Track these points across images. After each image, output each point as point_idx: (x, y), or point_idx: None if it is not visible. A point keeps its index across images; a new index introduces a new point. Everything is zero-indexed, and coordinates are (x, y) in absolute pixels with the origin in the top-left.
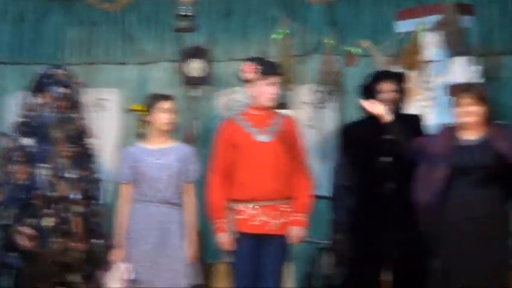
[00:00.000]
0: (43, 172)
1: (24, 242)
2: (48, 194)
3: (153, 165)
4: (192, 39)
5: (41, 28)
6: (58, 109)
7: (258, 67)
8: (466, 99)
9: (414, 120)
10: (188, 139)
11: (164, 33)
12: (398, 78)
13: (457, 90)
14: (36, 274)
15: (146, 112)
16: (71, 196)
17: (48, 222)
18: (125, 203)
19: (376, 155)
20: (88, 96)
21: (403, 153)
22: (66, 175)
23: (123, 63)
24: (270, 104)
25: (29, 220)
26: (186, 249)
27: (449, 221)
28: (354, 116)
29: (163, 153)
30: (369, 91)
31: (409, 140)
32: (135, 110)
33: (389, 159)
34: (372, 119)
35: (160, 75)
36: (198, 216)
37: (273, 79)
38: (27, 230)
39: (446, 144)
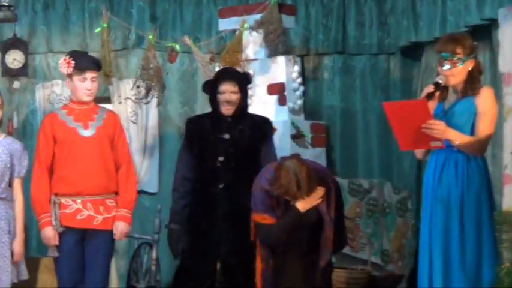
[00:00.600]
0: None
1: None
2: None
3: None
4: (12, 30)
5: None
6: None
7: (74, 61)
8: None
9: (259, 121)
10: (7, 132)
11: None
12: (240, 79)
13: None
14: None
15: None
16: None
17: None
18: None
19: (214, 153)
20: None
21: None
22: None
23: None
24: (86, 99)
25: None
26: (17, 245)
27: None
28: (175, 111)
29: None
30: (211, 90)
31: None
32: None
33: (221, 158)
34: (214, 116)
35: None
36: (24, 210)
37: (88, 74)
38: None
39: None
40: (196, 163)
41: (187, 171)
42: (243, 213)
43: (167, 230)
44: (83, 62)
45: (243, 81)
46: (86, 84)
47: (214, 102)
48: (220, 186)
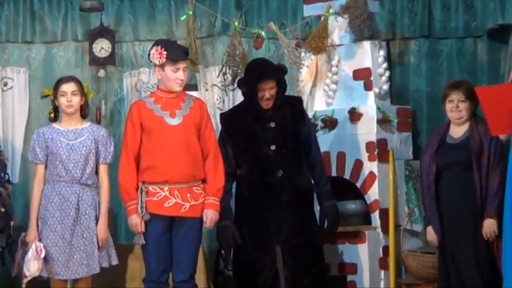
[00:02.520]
0: None
1: None
2: None
3: (66, 145)
4: (99, 19)
5: None
6: None
7: (166, 52)
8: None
9: (295, 103)
10: (95, 120)
11: (70, 12)
12: (276, 74)
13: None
14: None
15: (53, 96)
16: None
17: None
18: (39, 183)
19: (263, 143)
20: None
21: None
22: None
23: (29, 42)
24: (178, 88)
25: None
26: (100, 230)
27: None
28: None
29: (76, 134)
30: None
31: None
32: (47, 95)
33: (273, 147)
34: (252, 107)
35: (66, 55)
36: (111, 197)
37: (180, 64)
38: None
39: (436, 141)
40: (242, 156)
41: (229, 166)
42: (303, 197)
43: (217, 227)
44: (175, 52)
45: (280, 74)
46: (179, 75)
47: (250, 94)
48: (279, 174)
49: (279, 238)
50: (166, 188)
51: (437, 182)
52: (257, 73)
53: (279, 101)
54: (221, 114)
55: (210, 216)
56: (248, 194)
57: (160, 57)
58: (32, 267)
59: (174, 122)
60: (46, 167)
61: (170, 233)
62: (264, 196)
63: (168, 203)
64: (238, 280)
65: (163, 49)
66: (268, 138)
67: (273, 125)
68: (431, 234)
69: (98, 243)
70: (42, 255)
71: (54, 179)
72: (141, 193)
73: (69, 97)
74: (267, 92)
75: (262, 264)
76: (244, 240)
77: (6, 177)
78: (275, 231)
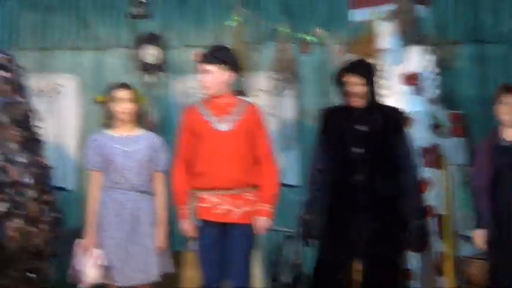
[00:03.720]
0: None
1: None
2: (0, 179)
3: (121, 152)
4: (147, 26)
5: None
6: (1, 93)
7: (199, 55)
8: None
9: (393, 113)
10: (147, 126)
11: (119, 19)
12: (366, 71)
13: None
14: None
15: (107, 102)
16: (24, 180)
17: (2, 207)
18: (95, 190)
19: (349, 145)
20: (43, 82)
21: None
22: (17, 159)
23: (78, 49)
24: (205, 92)
25: None
26: (156, 237)
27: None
28: (311, 103)
29: (131, 141)
30: (338, 82)
31: (383, 131)
32: (100, 101)
33: (361, 150)
34: (347, 107)
35: (115, 61)
36: (167, 204)
37: (203, 66)
38: None
39: (490, 144)
40: (331, 154)
41: (320, 162)
42: (381, 204)
43: (301, 220)
44: (204, 55)
45: (368, 73)
46: (202, 77)
47: (343, 93)
48: (359, 177)
49: (358, 244)
50: (217, 194)
51: (493, 185)
52: (344, 67)
53: (369, 102)
54: (320, 110)
55: (262, 223)
56: (333, 194)
57: (195, 60)
58: (89, 274)
59: (224, 127)
60: (102, 173)
61: (223, 239)
62: (342, 198)
63: (220, 209)
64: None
65: (199, 52)
66: (354, 140)
67: (362, 127)
68: (479, 237)
69: (156, 249)
70: (100, 262)
71: (111, 185)
72: (193, 199)
73: (124, 104)
74: (352, 86)
75: (339, 265)
76: (324, 240)
77: (54, 183)
78: (355, 236)
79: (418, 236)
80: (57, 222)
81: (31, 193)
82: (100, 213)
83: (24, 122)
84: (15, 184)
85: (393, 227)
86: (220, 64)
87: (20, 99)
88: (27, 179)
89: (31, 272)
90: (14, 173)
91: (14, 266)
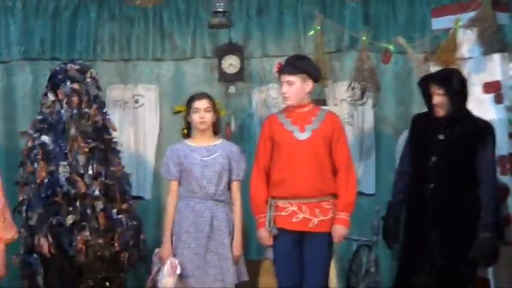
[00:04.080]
0: (62, 169)
1: (42, 250)
2: (69, 191)
3: (199, 162)
4: (227, 36)
5: (76, 24)
6: (71, 105)
7: (280, 65)
8: None
9: (479, 125)
10: (225, 136)
11: (199, 29)
12: (446, 81)
13: None
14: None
15: (186, 112)
16: (91, 192)
17: (70, 219)
18: (173, 200)
19: (427, 153)
20: (124, 92)
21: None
22: (85, 171)
23: (159, 59)
24: (286, 102)
25: (53, 219)
26: (233, 246)
27: None
28: (390, 112)
29: (209, 151)
30: (422, 92)
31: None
32: (179, 111)
33: (435, 158)
34: (431, 116)
35: (195, 72)
36: (244, 213)
37: (283, 77)
38: (46, 237)
39: None
40: (413, 160)
41: (407, 165)
42: (452, 215)
43: (383, 222)
44: (283, 66)
45: (448, 82)
46: (282, 88)
47: (426, 103)
48: (431, 186)
49: (431, 253)
50: (294, 203)
51: None
52: (424, 77)
53: (450, 111)
54: (413, 116)
55: (339, 232)
56: (408, 199)
57: (276, 71)
58: (167, 283)
59: (303, 136)
60: (179, 183)
61: (300, 247)
62: (416, 206)
63: (297, 217)
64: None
65: (280, 63)
66: (432, 148)
67: (441, 137)
68: None
69: (232, 258)
70: (178, 271)
71: (188, 195)
72: (270, 207)
73: (202, 114)
74: (434, 96)
75: (414, 272)
76: (402, 245)
77: (132, 192)
78: (426, 245)
79: (486, 250)
80: (137, 230)
81: (99, 205)
82: (177, 222)
83: (94, 133)
84: (82, 196)
85: (461, 239)
86: (301, 74)
87: (88, 110)
88: (95, 191)
89: (108, 281)
90: (82, 185)
91: (89, 275)
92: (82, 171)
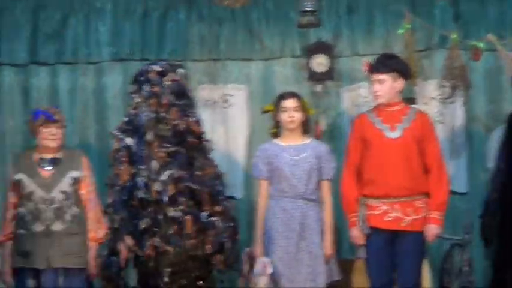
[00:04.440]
0: (141, 173)
1: (124, 253)
2: (144, 196)
3: (289, 161)
4: (316, 35)
5: (165, 25)
6: (150, 108)
7: (370, 64)
8: None
9: None
10: (315, 135)
11: (288, 29)
12: None
13: None
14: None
15: (275, 111)
16: (164, 198)
17: (144, 224)
18: (263, 199)
19: None
20: (214, 92)
21: None
22: (159, 177)
23: (248, 59)
24: (377, 101)
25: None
26: (323, 245)
27: None
28: (481, 110)
29: (298, 150)
30: None
31: None
32: (268, 111)
33: None
34: None
35: (284, 71)
36: (334, 212)
37: (374, 76)
38: (128, 240)
39: None
40: (509, 157)
41: (502, 162)
42: None
43: (480, 221)
44: (374, 64)
45: None
46: (373, 87)
47: None
48: None
49: None
50: (386, 202)
51: None
52: None
53: None
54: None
55: (432, 231)
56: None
57: (365, 70)
58: (259, 283)
59: (394, 135)
60: (270, 182)
61: (392, 246)
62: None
63: (389, 216)
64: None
65: (369, 62)
66: None
67: None
68: None
69: (324, 257)
70: (269, 270)
71: (278, 194)
72: (362, 206)
73: (291, 113)
74: None
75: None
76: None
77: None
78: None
79: None
80: (233, 231)
81: (170, 211)
82: (268, 221)
83: (174, 137)
84: (154, 202)
85: None
86: (391, 72)
87: (166, 114)
88: (165, 198)
89: (200, 280)
90: (153, 191)
91: (183, 274)
92: (155, 177)
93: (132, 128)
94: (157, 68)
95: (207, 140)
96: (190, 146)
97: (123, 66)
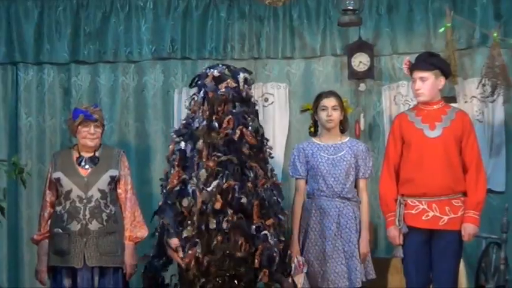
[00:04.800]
0: (190, 181)
1: (173, 255)
2: (189, 204)
3: (327, 160)
4: (357, 33)
5: (206, 23)
6: (203, 115)
7: (410, 62)
8: None
9: None
10: (354, 134)
11: (329, 27)
12: None
13: None
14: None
15: (313, 110)
16: (207, 209)
17: (187, 232)
18: (300, 198)
19: None
20: (255, 91)
21: None
22: (205, 187)
23: (289, 58)
24: (419, 99)
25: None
26: (360, 243)
27: None
28: None
29: (336, 149)
30: None
31: None
32: (307, 109)
33: None
34: None
35: (325, 70)
36: (372, 211)
37: (416, 74)
38: (175, 243)
39: None
40: None
41: None
42: None
43: None
44: (414, 62)
45: None
46: (414, 85)
47: None
48: None
49: None
50: (424, 201)
51: None
52: None
53: None
54: None
55: (469, 230)
56: None
57: (406, 68)
58: (295, 281)
59: (433, 134)
60: (306, 181)
61: (429, 245)
62: None
63: (426, 216)
64: None
65: (410, 60)
66: None
67: None
68: None
69: (359, 256)
70: (305, 270)
71: (315, 193)
72: (400, 206)
73: (330, 112)
74: None
75: None
76: None
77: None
78: None
79: None
80: (285, 247)
81: (214, 223)
82: (304, 220)
83: (226, 146)
84: (200, 212)
85: None
86: (433, 71)
87: (217, 123)
88: (208, 208)
89: (236, 279)
90: (198, 201)
91: (218, 273)
92: (202, 186)
93: (188, 132)
94: (215, 72)
95: (264, 149)
96: (243, 155)
97: (164, 64)
